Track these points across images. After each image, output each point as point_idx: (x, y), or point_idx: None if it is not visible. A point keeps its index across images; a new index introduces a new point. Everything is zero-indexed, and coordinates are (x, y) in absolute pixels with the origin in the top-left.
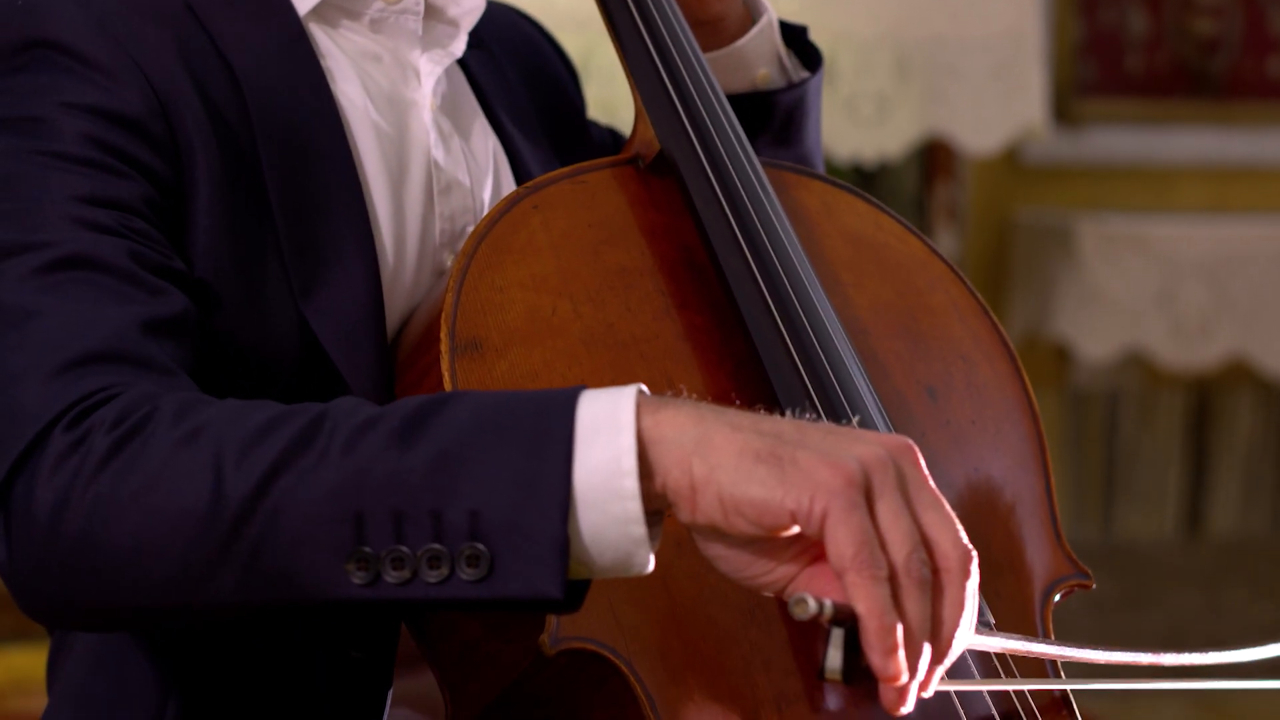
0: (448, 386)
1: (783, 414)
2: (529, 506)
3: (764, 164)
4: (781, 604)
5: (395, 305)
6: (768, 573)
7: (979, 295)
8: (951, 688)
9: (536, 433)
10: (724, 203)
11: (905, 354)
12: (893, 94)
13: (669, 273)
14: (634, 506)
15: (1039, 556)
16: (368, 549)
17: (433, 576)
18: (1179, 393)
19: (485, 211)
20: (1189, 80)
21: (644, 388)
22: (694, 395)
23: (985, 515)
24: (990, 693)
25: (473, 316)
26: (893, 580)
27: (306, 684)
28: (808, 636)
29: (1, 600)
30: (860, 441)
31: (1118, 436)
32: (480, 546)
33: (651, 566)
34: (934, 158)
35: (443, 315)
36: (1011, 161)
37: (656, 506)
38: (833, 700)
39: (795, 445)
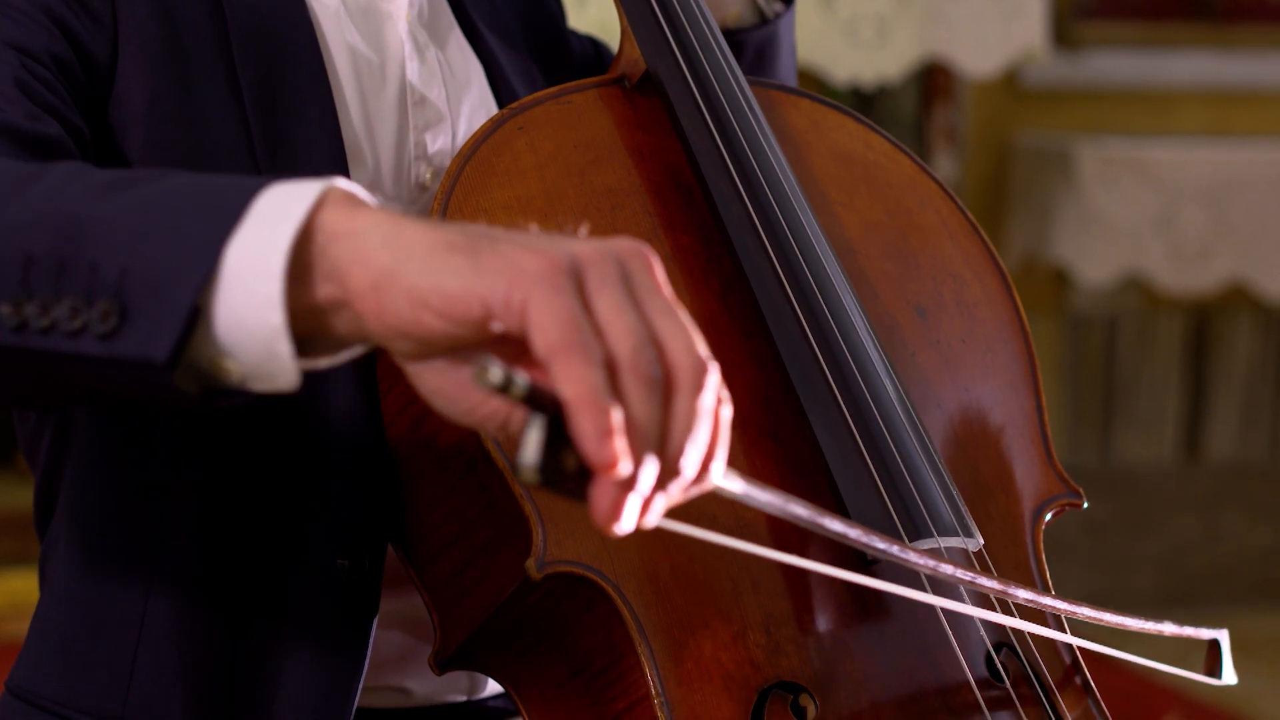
0: None
1: (770, 335)
2: (173, 270)
3: (752, 83)
4: (772, 525)
5: None
6: (485, 399)
7: (969, 214)
8: (725, 542)
9: (215, 207)
10: (710, 122)
11: (895, 273)
12: (892, 16)
13: (656, 193)
14: (275, 288)
15: (1029, 476)
16: (27, 292)
17: (68, 326)
18: (1178, 317)
19: (461, 125)
20: (1189, 3)
21: (350, 187)
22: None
23: (975, 434)
24: (984, 623)
25: None
26: (613, 373)
27: (291, 592)
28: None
29: (1, 524)
30: (578, 241)
31: (1116, 361)
32: (121, 301)
33: (295, 377)
34: (933, 81)
35: None
36: (1011, 85)
37: (341, 324)
38: (823, 621)
39: (499, 240)
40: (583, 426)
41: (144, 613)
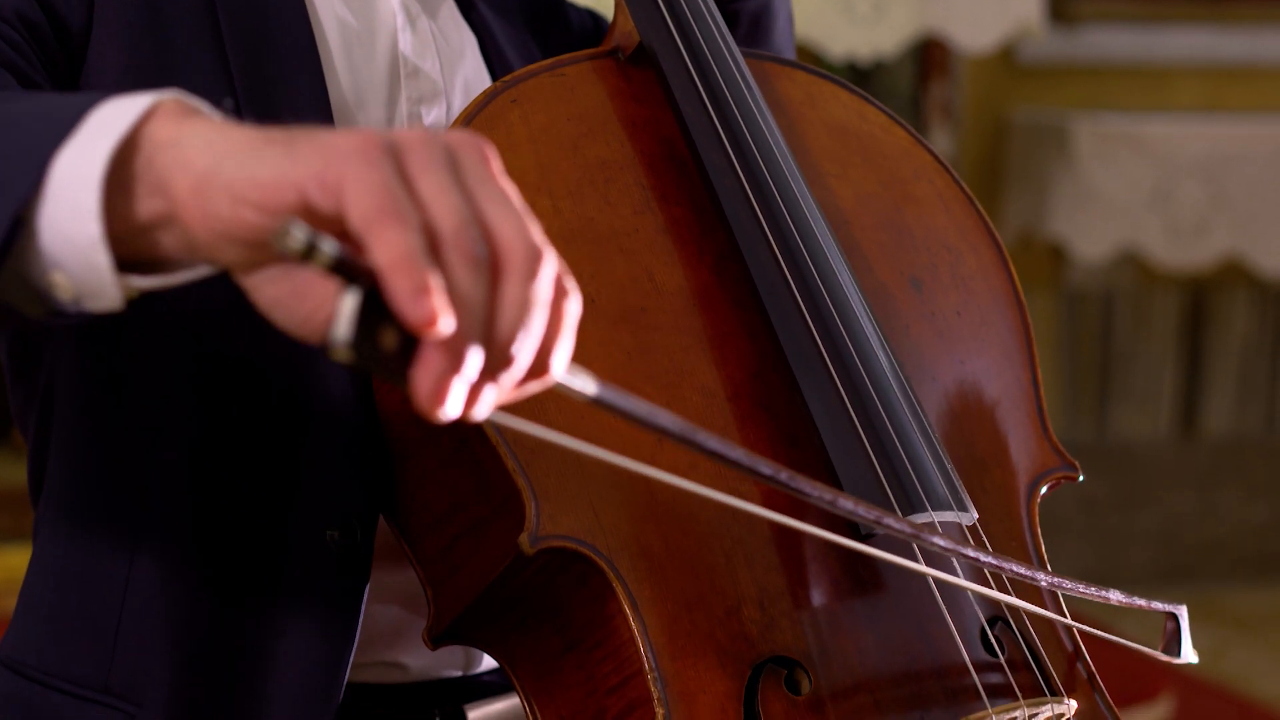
0: None
1: (763, 307)
2: (6, 180)
3: (746, 55)
4: (767, 499)
5: None
6: (322, 300)
7: (964, 185)
8: (522, 428)
9: (52, 121)
10: (704, 94)
11: (889, 245)
12: None
13: (649, 166)
14: (92, 198)
15: (1025, 449)
16: None
17: None
18: (1174, 292)
19: (456, 97)
20: None
21: (186, 98)
22: (674, 288)
23: (970, 407)
24: (977, 597)
25: None
26: (439, 257)
27: (279, 562)
28: (791, 534)
29: None
30: (403, 130)
31: (1112, 336)
32: None
33: (118, 293)
34: (929, 56)
35: None
36: (1007, 60)
37: (171, 240)
38: (817, 596)
39: (322, 131)
40: (396, 285)
41: (127, 581)
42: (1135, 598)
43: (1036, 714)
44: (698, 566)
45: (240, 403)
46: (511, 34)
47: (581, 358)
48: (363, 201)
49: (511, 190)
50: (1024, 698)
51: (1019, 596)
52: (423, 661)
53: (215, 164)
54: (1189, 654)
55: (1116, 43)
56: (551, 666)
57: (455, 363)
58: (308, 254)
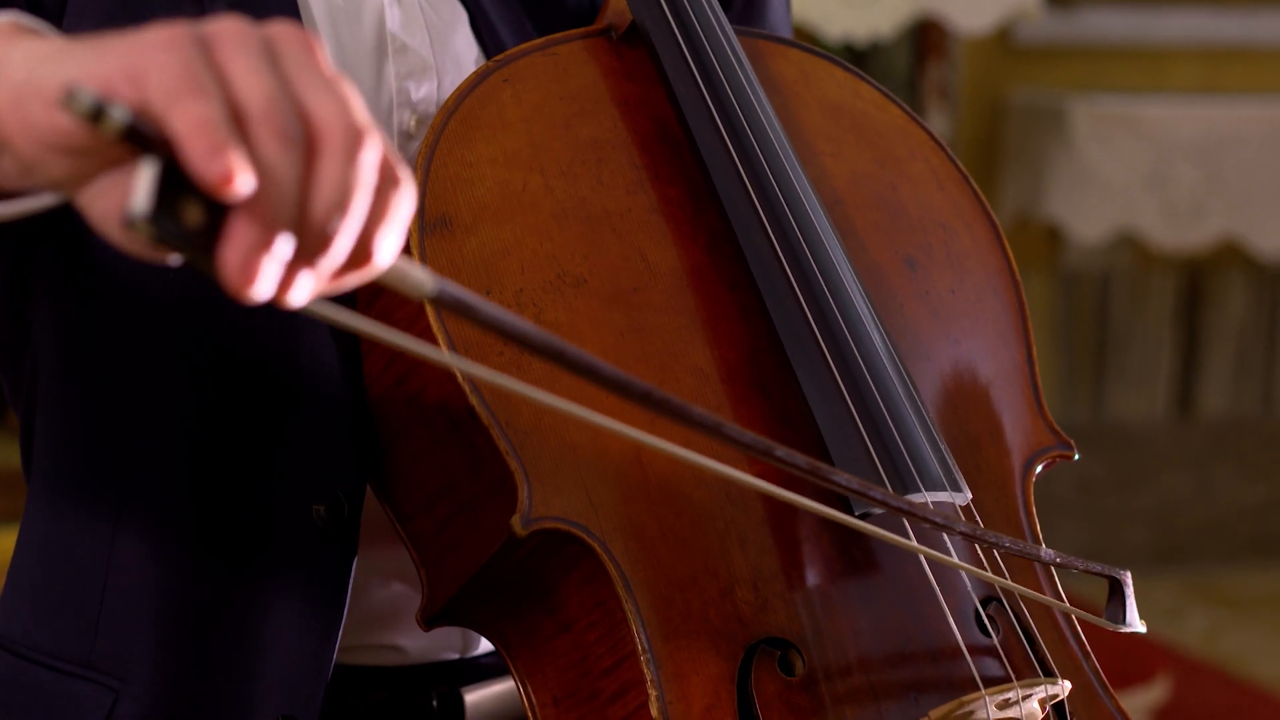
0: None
1: (757, 288)
2: None
3: (739, 33)
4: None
5: None
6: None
7: (959, 163)
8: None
9: None
10: (697, 73)
11: (883, 224)
12: None
13: (642, 145)
14: None
15: (1020, 427)
16: None
17: None
18: (1170, 274)
19: (447, 73)
20: None
21: (25, 20)
22: (667, 269)
23: (965, 386)
24: (971, 577)
25: (441, 194)
26: (246, 135)
27: (263, 538)
28: (785, 515)
29: None
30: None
31: (1109, 318)
32: None
33: None
34: (926, 37)
35: None
36: (1004, 41)
37: (8, 165)
38: (811, 578)
39: (136, 31)
40: (192, 146)
41: (111, 557)
42: (1073, 559)
43: (1030, 694)
44: (691, 548)
45: (224, 376)
46: (504, 10)
47: (573, 337)
48: (163, 82)
49: (338, 77)
50: (1017, 678)
51: (1013, 578)
52: (421, 644)
53: (30, 74)
54: (1135, 623)
55: (1113, 24)
56: (545, 648)
57: (265, 238)
58: (96, 117)
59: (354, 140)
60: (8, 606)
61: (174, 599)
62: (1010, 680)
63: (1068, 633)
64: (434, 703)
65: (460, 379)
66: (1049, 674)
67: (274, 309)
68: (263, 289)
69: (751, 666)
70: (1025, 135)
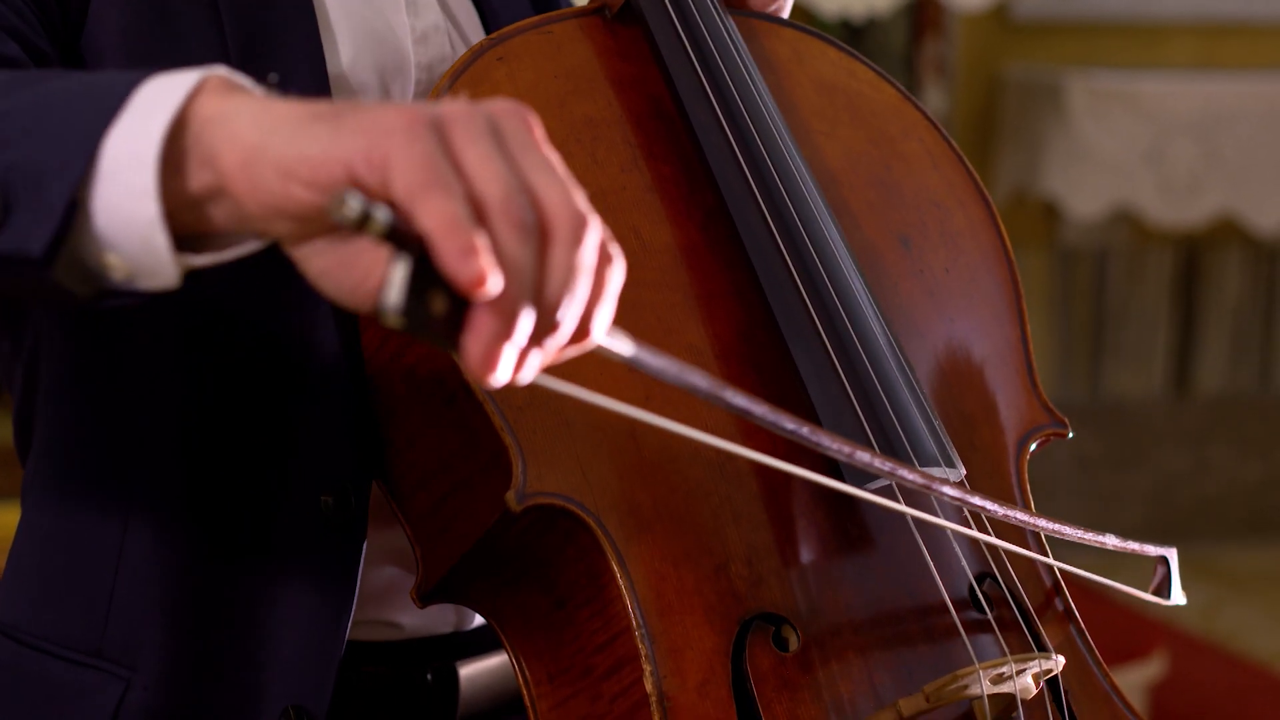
0: None
1: (751, 265)
2: (53, 164)
3: (733, 13)
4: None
5: None
6: (369, 270)
7: (954, 142)
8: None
9: (98, 100)
10: (690, 51)
11: (878, 202)
12: None
13: (637, 124)
14: (149, 179)
15: (1014, 406)
16: None
17: None
18: (1167, 250)
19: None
20: None
21: (230, 74)
22: (661, 246)
23: (959, 364)
24: (968, 551)
25: None
26: (488, 225)
27: (274, 529)
28: (779, 491)
29: None
30: (450, 103)
31: (1106, 294)
32: (7, 198)
33: (175, 271)
34: (922, 13)
35: None
36: (1000, 17)
37: (222, 213)
38: (805, 554)
39: (368, 107)
40: (444, 246)
41: (121, 545)
42: (1129, 541)
43: (1024, 669)
44: (685, 524)
45: (231, 365)
46: None
47: None
48: (408, 175)
49: (555, 157)
50: (1011, 654)
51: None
52: (416, 620)
53: (263, 139)
54: (1178, 596)
55: (1110, 0)
56: (539, 624)
57: (506, 327)
58: (362, 222)
59: (579, 225)
60: (11, 593)
61: (184, 589)
62: (1004, 655)
63: (1062, 609)
64: (429, 677)
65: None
66: (1043, 649)
67: (280, 303)
68: (502, 374)
69: (746, 641)
70: (1022, 111)
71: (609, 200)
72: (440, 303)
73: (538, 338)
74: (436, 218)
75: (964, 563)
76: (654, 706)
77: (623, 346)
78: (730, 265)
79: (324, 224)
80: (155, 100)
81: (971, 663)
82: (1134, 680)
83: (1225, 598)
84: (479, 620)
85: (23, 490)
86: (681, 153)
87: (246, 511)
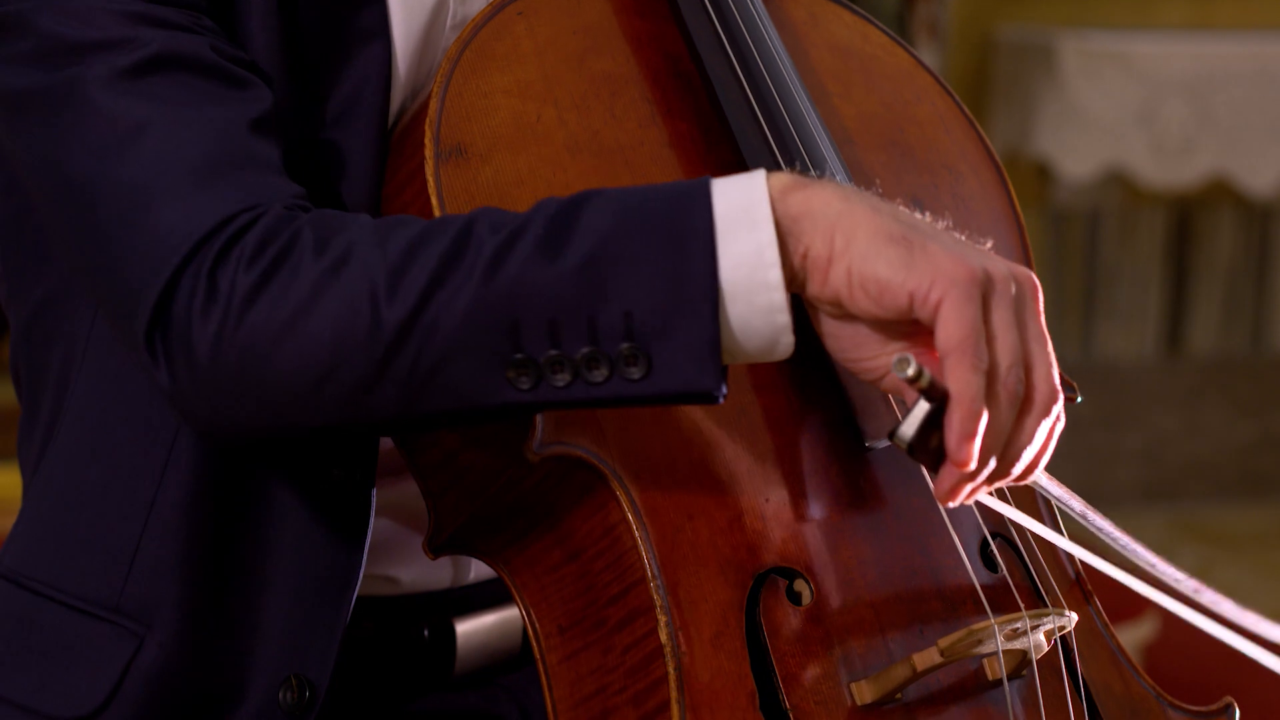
0: (431, 194)
1: None
2: (680, 305)
3: None
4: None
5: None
6: (873, 357)
7: (965, 108)
8: (992, 504)
9: (676, 231)
10: (709, 8)
11: (891, 165)
12: None
13: (654, 80)
14: (779, 296)
15: None
16: (523, 355)
17: (596, 376)
18: (1160, 211)
19: None
20: None
21: (770, 170)
22: None
23: None
24: (980, 513)
25: (456, 122)
26: (989, 381)
27: (288, 497)
28: (793, 446)
29: None
30: (989, 256)
31: (1098, 255)
32: (638, 346)
33: (793, 348)
34: None
35: (426, 121)
36: None
37: (792, 285)
38: (818, 509)
39: (928, 237)
40: (956, 423)
41: (152, 503)
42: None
43: (1038, 625)
44: (701, 477)
45: None
46: None
47: None
48: (953, 331)
49: (1046, 332)
50: (1025, 609)
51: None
52: (413, 574)
53: (846, 247)
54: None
55: None
56: (551, 576)
57: (975, 473)
58: (915, 379)
59: (1053, 399)
60: (25, 544)
61: (206, 547)
62: (1019, 610)
63: (1071, 571)
64: (425, 633)
65: None
66: (1054, 603)
67: None
68: (957, 503)
69: (760, 595)
70: (1014, 72)
71: (627, 155)
72: (937, 439)
73: (992, 479)
74: (961, 386)
75: (978, 519)
76: (668, 658)
77: (1051, 487)
78: None
79: (867, 320)
80: (740, 219)
81: (987, 618)
82: (1126, 640)
83: (1217, 558)
84: (476, 575)
85: (40, 444)
86: (699, 110)
87: (264, 479)
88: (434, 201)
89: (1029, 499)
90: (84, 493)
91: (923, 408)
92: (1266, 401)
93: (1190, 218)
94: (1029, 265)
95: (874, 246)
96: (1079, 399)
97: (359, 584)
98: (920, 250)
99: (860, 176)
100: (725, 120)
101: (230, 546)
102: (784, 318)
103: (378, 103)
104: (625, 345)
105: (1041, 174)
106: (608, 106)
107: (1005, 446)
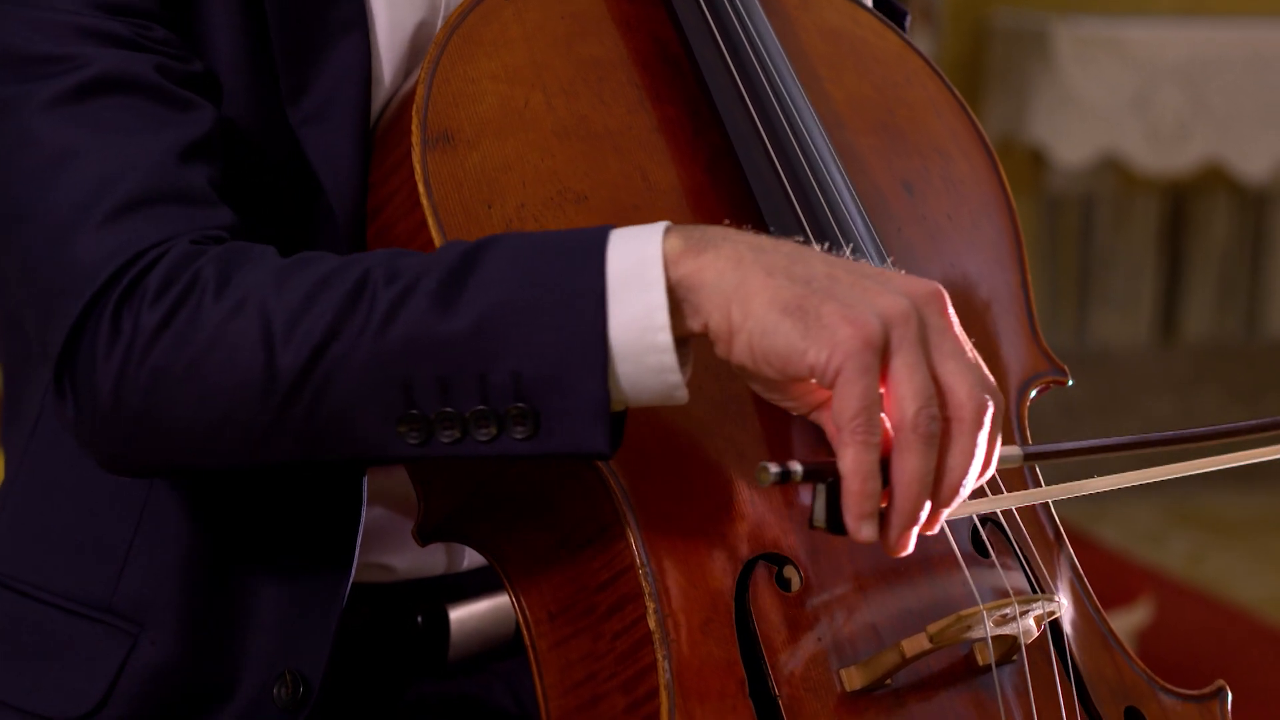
0: (418, 180)
1: (757, 207)
2: (569, 367)
3: None
4: (757, 400)
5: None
6: (799, 397)
7: (956, 91)
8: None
9: (567, 291)
10: None
11: (882, 148)
12: None
13: (643, 65)
14: (669, 359)
15: (1015, 352)
16: (417, 411)
17: (483, 435)
18: (1154, 197)
19: None
20: None
21: (669, 226)
22: (667, 187)
23: (961, 311)
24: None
25: (444, 108)
26: (898, 434)
27: (277, 501)
28: (781, 431)
29: None
30: (887, 291)
31: (1093, 241)
32: (525, 406)
33: (687, 397)
34: None
35: (413, 107)
36: None
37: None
38: (806, 494)
39: (823, 296)
40: (850, 503)
41: (146, 501)
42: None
43: (1028, 611)
44: (690, 463)
45: None
46: None
47: None
48: (845, 409)
49: (964, 338)
50: (1015, 595)
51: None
52: (408, 561)
53: (743, 321)
54: None
55: None
56: (542, 563)
57: (910, 523)
58: (783, 480)
59: (981, 410)
60: (9, 544)
61: (202, 546)
62: (1008, 596)
63: (1062, 556)
64: (419, 619)
65: None
66: (1043, 588)
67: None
68: (909, 549)
69: (749, 581)
70: (1008, 58)
71: (615, 141)
72: None
73: (935, 510)
74: (851, 465)
75: (974, 517)
76: (656, 644)
77: (1012, 454)
78: (735, 206)
79: (779, 381)
80: (632, 281)
81: (977, 604)
82: (1120, 626)
83: (1211, 544)
84: (469, 562)
85: (21, 443)
86: (687, 95)
87: (253, 482)
88: (420, 189)
89: (1017, 479)
90: (71, 492)
91: (821, 490)
92: (1261, 387)
93: (1185, 204)
94: (1020, 249)
95: (769, 319)
96: (1069, 382)
97: (353, 575)
98: (815, 319)
99: (851, 161)
100: (714, 105)
101: (223, 542)
102: (675, 377)
103: (357, 97)
104: (515, 405)
105: (1036, 160)
106: (596, 91)
107: (936, 483)
